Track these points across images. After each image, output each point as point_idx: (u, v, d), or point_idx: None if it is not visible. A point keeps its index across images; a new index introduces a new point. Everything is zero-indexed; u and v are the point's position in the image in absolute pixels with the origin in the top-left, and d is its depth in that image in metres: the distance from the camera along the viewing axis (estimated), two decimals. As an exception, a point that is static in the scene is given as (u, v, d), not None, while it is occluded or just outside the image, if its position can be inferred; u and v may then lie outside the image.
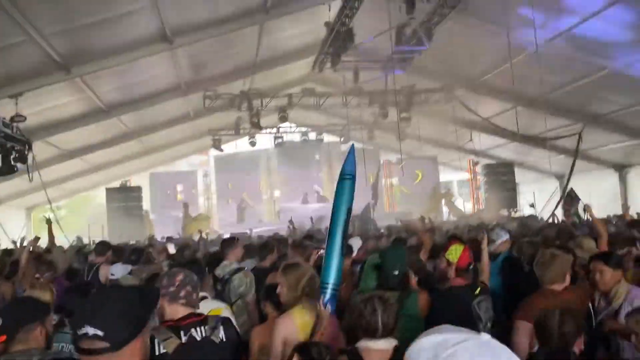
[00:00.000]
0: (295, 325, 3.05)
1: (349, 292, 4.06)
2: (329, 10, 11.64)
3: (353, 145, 3.47)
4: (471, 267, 3.75)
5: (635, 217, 11.04)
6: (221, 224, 21.43)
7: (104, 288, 3.80)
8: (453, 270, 3.66)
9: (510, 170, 20.51)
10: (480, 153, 20.90)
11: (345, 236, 3.26)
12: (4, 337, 2.44)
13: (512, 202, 20.08)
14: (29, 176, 11.49)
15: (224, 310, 3.47)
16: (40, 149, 12.56)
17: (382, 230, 12.47)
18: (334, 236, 3.20)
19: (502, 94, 14.81)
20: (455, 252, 3.67)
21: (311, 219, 15.45)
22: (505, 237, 5.31)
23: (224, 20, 10.89)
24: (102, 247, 6.91)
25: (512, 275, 4.57)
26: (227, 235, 12.31)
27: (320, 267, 4.13)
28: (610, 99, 13.26)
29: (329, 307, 3.01)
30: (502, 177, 20.38)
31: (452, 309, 3.43)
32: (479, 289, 3.55)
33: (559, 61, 11.78)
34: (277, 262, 4.94)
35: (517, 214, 18.51)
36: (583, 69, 11.97)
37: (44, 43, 8.90)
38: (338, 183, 3.25)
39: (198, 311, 2.73)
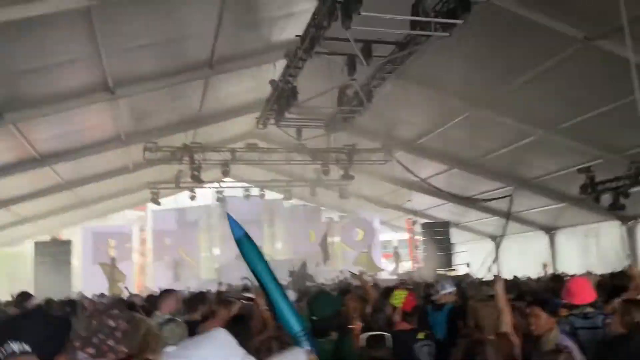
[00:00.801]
0: None
1: None
2: (275, 68, 11.95)
3: (228, 213, 3.51)
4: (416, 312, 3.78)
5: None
6: (156, 282, 20.59)
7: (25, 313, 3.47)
8: (398, 314, 3.69)
9: (447, 230, 21.10)
10: (418, 213, 21.48)
11: (278, 285, 3.23)
12: None
13: (448, 262, 20.55)
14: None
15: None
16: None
17: (322, 286, 12.37)
18: (271, 292, 3.18)
19: (439, 156, 15.45)
20: (399, 297, 3.71)
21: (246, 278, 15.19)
22: (450, 289, 5.43)
23: (169, 73, 10.92)
24: (22, 297, 6.47)
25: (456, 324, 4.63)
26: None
27: (241, 317, 4.03)
28: (538, 164, 14.10)
29: (313, 353, 2.99)
30: (438, 236, 20.91)
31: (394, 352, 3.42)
32: (423, 334, 3.57)
33: (490, 126, 12.47)
34: (208, 314, 4.80)
35: (453, 273, 18.90)
36: (513, 134, 12.71)
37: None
38: (240, 249, 3.23)
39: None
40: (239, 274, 18.15)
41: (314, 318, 3.66)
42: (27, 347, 1.45)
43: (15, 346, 1.44)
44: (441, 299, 5.16)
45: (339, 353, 3.32)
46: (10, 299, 14.47)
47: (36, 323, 1.53)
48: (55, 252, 18.88)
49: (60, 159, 13.42)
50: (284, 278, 15.49)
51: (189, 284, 17.05)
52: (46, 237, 20.31)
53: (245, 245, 3.23)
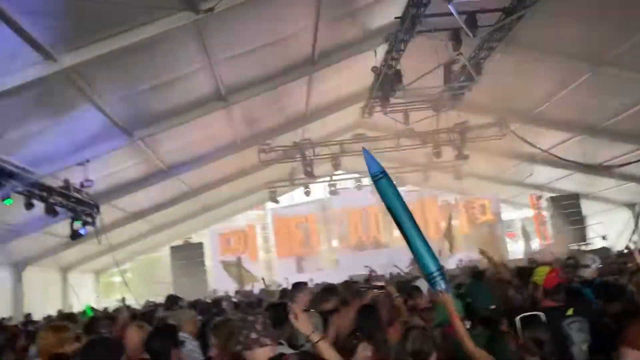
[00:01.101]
0: None
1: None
2: (375, 56, 11.83)
3: (365, 150, 3.38)
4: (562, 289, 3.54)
5: None
6: (281, 276, 21.40)
7: None
8: (540, 292, 3.48)
9: (576, 202, 19.63)
10: (542, 187, 20.20)
11: (415, 223, 3.15)
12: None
13: (581, 236, 19.12)
14: (97, 239, 12.02)
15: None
16: (106, 213, 13.08)
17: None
18: (407, 230, 3.11)
19: (560, 124, 14.38)
20: (540, 274, 3.51)
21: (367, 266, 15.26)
22: (598, 262, 5.12)
23: (274, 75, 11.25)
24: (172, 300, 6.98)
25: (611, 299, 4.28)
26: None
27: (369, 306, 4.03)
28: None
29: (447, 292, 3.01)
30: (568, 210, 19.53)
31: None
32: (571, 309, 3.33)
33: (617, 84, 11.35)
34: (338, 305, 4.86)
35: (589, 248, 17.54)
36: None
37: (107, 109, 9.41)
38: (376, 187, 3.19)
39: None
40: (358, 264, 18.40)
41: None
42: None
43: None
44: (592, 274, 4.86)
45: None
46: (153, 299, 15.89)
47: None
48: (188, 254, 20.28)
49: (185, 168, 14.37)
50: (406, 266, 15.34)
51: (312, 276, 17.48)
52: (179, 242, 21.89)
53: (382, 182, 3.16)
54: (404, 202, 3.16)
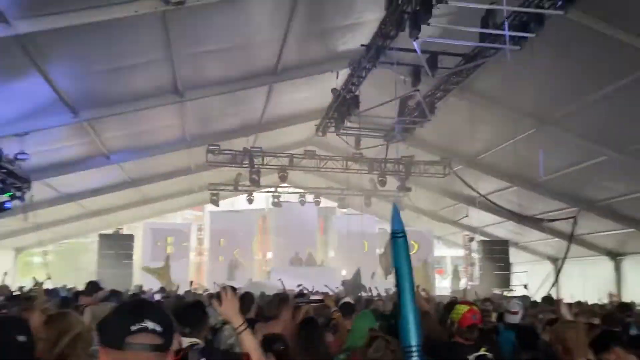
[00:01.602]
0: None
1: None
2: (337, 78, 12.02)
3: (395, 204, 3.50)
4: (476, 330, 3.70)
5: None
6: (210, 281, 21.06)
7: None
8: (455, 328, 3.64)
9: (505, 249, 20.47)
10: (475, 229, 20.95)
11: (413, 293, 3.18)
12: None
13: (505, 282, 19.89)
14: (24, 216, 11.48)
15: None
16: (37, 190, 12.53)
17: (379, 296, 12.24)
18: (404, 295, 3.10)
19: (500, 173, 15.04)
20: (458, 312, 3.67)
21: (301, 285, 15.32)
22: (524, 309, 5.37)
23: (235, 79, 11.21)
24: (92, 286, 6.75)
25: (528, 347, 4.50)
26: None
27: (304, 322, 4.07)
28: (606, 186, 13.46)
29: None
30: (496, 255, 20.31)
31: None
32: (484, 349, 3.46)
33: (558, 143, 12.03)
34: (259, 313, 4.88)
35: (510, 294, 18.27)
36: (581, 153, 12.20)
37: (57, 84, 9.09)
38: (392, 243, 3.22)
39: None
40: (289, 279, 18.37)
41: None
42: (159, 328, 1.52)
43: (150, 324, 1.52)
44: (513, 319, 5.10)
45: None
46: (73, 285, 15.27)
47: (159, 307, 1.63)
48: (118, 245, 19.67)
49: (128, 157, 14.01)
50: (335, 286, 15.45)
51: (242, 285, 17.32)
52: (109, 231, 21.20)
53: (400, 241, 3.20)
54: (411, 267, 3.20)
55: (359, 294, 13.62)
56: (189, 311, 4.20)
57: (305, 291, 10.02)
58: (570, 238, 13.88)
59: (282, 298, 5.12)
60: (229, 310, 2.78)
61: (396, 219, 3.26)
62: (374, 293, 13.27)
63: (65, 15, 7.17)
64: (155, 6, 7.49)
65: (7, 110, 9.62)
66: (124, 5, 7.37)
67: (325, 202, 22.50)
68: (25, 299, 6.92)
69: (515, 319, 5.34)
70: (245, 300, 5.49)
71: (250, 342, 2.78)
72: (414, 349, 3.00)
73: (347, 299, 5.52)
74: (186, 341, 2.87)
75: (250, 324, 4.52)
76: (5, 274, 13.43)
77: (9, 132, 10.04)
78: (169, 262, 20.10)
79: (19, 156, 10.27)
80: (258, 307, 6.18)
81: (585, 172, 12.76)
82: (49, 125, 10.38)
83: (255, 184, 16.48)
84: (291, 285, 15.91)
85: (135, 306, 1.62)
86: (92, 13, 7.30)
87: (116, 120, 11.43)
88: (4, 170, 10.13)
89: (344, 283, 16.47)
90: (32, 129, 10.17)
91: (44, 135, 10.81)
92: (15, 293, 10.50)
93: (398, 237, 3.19)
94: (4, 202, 10.76)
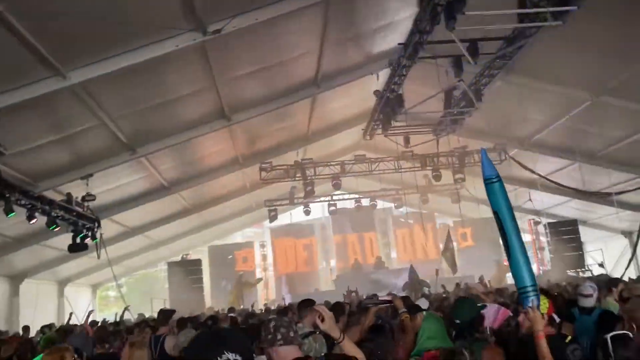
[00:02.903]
0: None
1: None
2: (377, 80, 12.00)
3: (484, 150, 3.48)
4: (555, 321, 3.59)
5: None
6: (278, 295, 21.34)
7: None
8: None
9: (575, 228, 19.68)
10: (540, 212, 20.27)
11: (519, 234, 3.16)
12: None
13: (579, 262, 19.12)
14: (97, 253, 12.05)
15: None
16: (105, 227, 13.12)
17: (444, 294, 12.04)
18: (510, 238, 3.10)
19: (559, 151, 14.52)
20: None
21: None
22: (597, 291, 5.15)
23: (278, 96, 11.39)
24: (164, 315, 6.92)
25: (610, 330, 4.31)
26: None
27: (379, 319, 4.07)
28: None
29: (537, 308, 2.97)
30: (566, 236, 19.57)
31: None
32: (569, 337, 3.37)
33: (616, 113, 11.52)
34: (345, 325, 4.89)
35: (586, 274, 17.55)
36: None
37: (112, 126, 9.53)
38: (488, 189, 3.21)
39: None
40: (355, 284, 18.32)
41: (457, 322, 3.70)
42: (239, 357, 1.60)
43: (230, 356, 1.59)
44: (588, 302, 4.89)
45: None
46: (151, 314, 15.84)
47: (239, 336, 1.70)
48: (186, 270, 20.23)
49: (185, 185, 14.46)
50: (397, 291, 15.33)
51: (312, 295, 17.44)
52: (177, 258, 21.87)
53: (494, 186, 3.19)
54: (512, 210, 3.17)
55: (423, 291, 13.47)
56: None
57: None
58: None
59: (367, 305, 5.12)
60: (330, 324, 2.92)
61: (487, 164, 3.21)
62: (440, 290, 13.07)
63: (111, 60, 7.53)
64: (193, 37, 7.74)
65: (70, 157, 10.16)
66: (164, 42, 7.66)
67: (381, 204, 22.38)
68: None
69: (589, 302, 5.08)
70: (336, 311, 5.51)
71: (352, 348, 2.92)
72: (529, 289, 2.99)
73: (422, 300, 5.45)
74: None
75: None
76: (92, 311, 14.05)
77: (75, 177, 10.61)
78: (242, 279, 20.41)
79: (87, 198, 10.82)
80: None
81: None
82: (109, 165, 10.86)
83: (310, 195, 16.62)
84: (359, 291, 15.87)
85: (213, 338, 1.69)
86: (136, 54, 7.62)
87: (171, 151, 11.84)
88: (75, 213, 10.68)
89: (404, 286, 16.30)
90: (95, 171, 10.69)
91: (106, 176, 11.32)
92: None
93: (493, 182, 3.15)
94: (79, 243, 11.32)
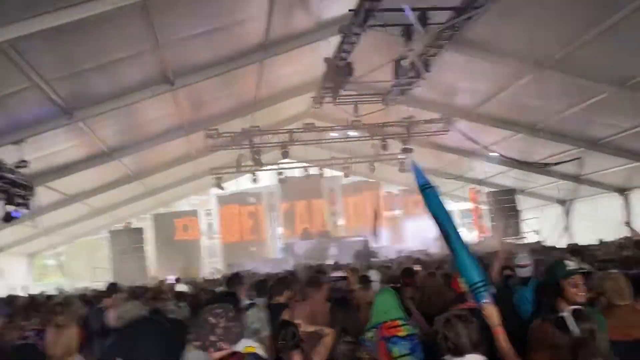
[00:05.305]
0: None
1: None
2: (329, 45, 11.82)
3: (412, 161, 3.67)
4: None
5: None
6: (225, 263, 21.27)
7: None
8: None
9: (512, 197, 20.47)
10: (482, 182, 20.93)
11: (459, 234, 3.26)
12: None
13: (516, 230, 19.96)
14: (33, 221, 11.49)
15: (257, 349, 3.35)
16: (42, 195, 12.51)
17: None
18: (452, 239, 3.21)
19: (502, 122, 14.91)
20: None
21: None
22: (529, 261, 5.29)
23: (224, 60, 11.03)
24: (110, 289, 6.82)
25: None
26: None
27: (334, 300, 4.08)
28: (609, 123, 13.34)
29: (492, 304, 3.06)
30: (504, 205, 20.32)
31: None
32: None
33: (558, 86, 11.86)
34: (292, 298, 4.85)
35: (522, 241, 18.37)
36: (581, 93, 12.03)
37: (47, 88, 8.97)
38: (424, 196, 3.34)
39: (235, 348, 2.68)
40: (302, 253, 18.51)
41: None
42: None
43: None
44: (524, 272, 5.01)
45: None
46: (92, 283, 15.46)
47: (146, 337, 1.58)
48: (129, 239, 19.77)
49: (127, 151, 13.94)
50: (348, 259, 15.58)
51: (257, 264, 17.47)
52: (120, 226, 21.29)
53: (428, 192, 3.33)
54: (449, 213, 3.31)
55: (370, 260, 13.76)
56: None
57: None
58: (577, 179, 13.89)
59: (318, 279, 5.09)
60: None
61: (419, 173, 3.37)
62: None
63: (45, 16, 7.00)
64: (134, -4, 7.31)
65: (1, 120, 9.53)
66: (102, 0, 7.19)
67: (329, 173, 22.47)
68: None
69: (526, 272, 5.18)
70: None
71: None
72: (479, 284, 3.10)
73: (373, 272, 5.50)
74: (243, 345, 2.85)
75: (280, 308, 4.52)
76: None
77: (6, 141, 9.97)
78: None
79: (19, 164, 10.21)
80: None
81: (587, 111, 12.60)
82: (44, 129, 10.28)
83: (258, 163, 16.43)
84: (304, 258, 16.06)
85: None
86: (72, 11, 7.11)
87: (111, 116, 11.31)
88: (7, 181, 10.08)
89: (357, 255, 16.58)
90: (29, 136, 10.09)
91: (41, 141, 10.73)
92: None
93: (426, 189, 3.31)
94: (11, 212, 10.74)
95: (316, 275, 5.76)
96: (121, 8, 7.43)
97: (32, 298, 10.48)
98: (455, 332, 2.69)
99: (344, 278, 5.04)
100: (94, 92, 10.18)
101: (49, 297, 10.16)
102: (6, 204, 10.56)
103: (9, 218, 10.69)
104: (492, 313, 2.98)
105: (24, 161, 10.13)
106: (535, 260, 5.69)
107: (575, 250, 8.38)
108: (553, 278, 3.46)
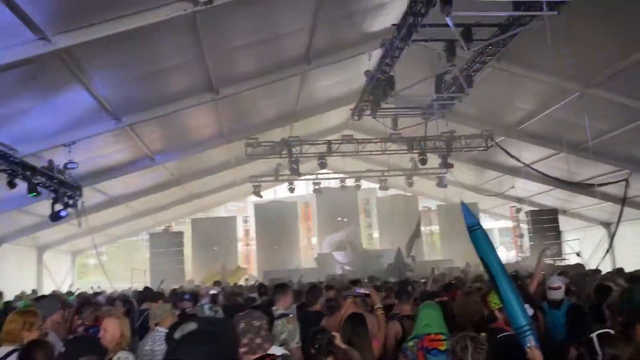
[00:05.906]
0: None
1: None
2: (369, 60, 11.90)
3: (463, 202, 3.64)
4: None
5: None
6: (259, 270, 21.43)
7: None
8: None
9: (554, 217, 19.97)
10: (522, 200, 20.52)
11: (507, 275, 3.29)
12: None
13: (557, 251, 19.45)
14: (78, 222, 11.94)
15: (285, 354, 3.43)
16: (87, 196, 12.97)
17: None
18: (500, 281, 3.23)
19: (544, 140, 14.62)
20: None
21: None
22: (559, 283, 5.17)
23: (268, 71, 11.24)
24: (152, 295, 7.04)
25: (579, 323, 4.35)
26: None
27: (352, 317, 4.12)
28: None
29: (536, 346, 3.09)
30: (545, 224, 19.85)
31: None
32: None
33: (603, 106, 11.58)
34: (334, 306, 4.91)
35: (563, 263, 17.88)
36: (628, 114, 11.71)
37: (97, 93, 9.34)
38: (472, 237, 3.33)
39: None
40: (336, 264, 18.50)
41: None
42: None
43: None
44: (556, 295, 4.91)
45: None
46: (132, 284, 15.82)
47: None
48: (168, 242, 20.21)
49: (170, 157, 14.31)
50: (381, 271, 15.49)
51: (290, 273, 17.53)
52: (159, 229, 21.80)
53: (477, 233, 3.31)
54: (497, 254, 3.31)
55: (404, 275, 13.65)
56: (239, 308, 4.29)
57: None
58: (623, 202, 13.48)
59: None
60: None
61: (467, 214, 3.35)
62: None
63: (99, 26, 7.31)
64: (184, 7, 7.56)
65: (54, 123, 9.96)
66: (155, 10, 7.46)
67: (366, 185, 22.45)
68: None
69: (557, 295, 5.10)
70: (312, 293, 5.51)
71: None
72: (526, 328, 3.12)
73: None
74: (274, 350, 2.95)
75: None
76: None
77: (57, 143, 10.41)
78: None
79: (69, 165, 10.65)
80: (296, 293, 6.23)
81: (634, 132, 12.25)
82: (93, 133, 10.68)
83: (295, 172, 16.59)
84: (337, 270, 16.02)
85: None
86: (125, 21, 7.41)
87: (157, 122, 11.68)
88: (56, 181, 10.52)
89: (389, 267, 16.48)
90: (78, 138, 10.51)
91: (90, 144, 11.15)
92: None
93: (475, 230, 3.28)
94: (59, 211, 11.18)
95: (347, 292, 5.78)
96: (172, 19, 7.69)
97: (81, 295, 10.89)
98: (464, 350, 2.82)
99: (367, 295, 5.05)
100: (142, 98, 10.53)
101: (96, 293, 10.50)
102: (53, 203, 11.02)
103: (56, 217, 11.13)
104: (536, 357, 3.02)
105: (73, 162, 10.55)
106: (577, 283, 5.59)
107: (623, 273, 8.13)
108: (631, 303, 3.42)
